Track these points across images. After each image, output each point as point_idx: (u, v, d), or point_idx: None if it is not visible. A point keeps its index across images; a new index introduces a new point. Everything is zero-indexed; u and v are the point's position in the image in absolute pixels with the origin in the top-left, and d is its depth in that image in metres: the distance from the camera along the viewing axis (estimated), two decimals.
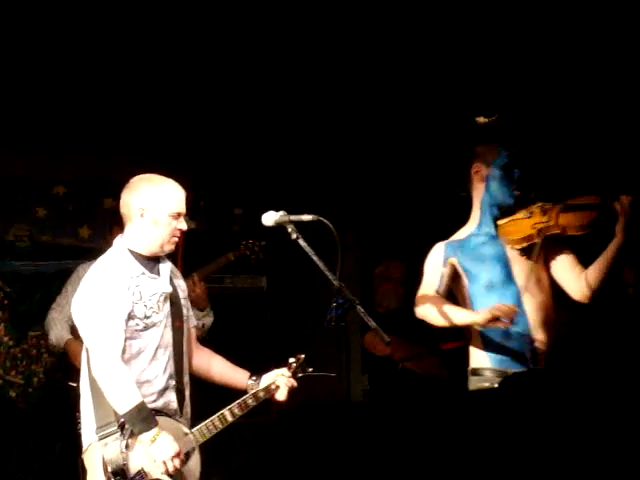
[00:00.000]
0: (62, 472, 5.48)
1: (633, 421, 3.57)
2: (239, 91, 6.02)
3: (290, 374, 4.07)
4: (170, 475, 3.77)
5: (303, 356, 4.10)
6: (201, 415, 4.01)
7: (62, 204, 6.24)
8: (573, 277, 4.21)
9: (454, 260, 4.24)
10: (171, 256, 4.06)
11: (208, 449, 3.99)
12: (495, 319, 4.01)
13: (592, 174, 5.36)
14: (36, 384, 6.02)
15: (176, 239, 3.97)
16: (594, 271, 4.15)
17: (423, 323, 4.30)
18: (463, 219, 4.39)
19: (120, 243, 3.97)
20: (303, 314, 6.24)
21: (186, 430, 3.92)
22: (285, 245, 3.86)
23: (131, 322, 3.83)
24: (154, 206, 3.91)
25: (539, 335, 4.16)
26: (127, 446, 3.75)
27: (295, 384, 4.07)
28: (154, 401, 3.85)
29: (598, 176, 5.25)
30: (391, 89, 6.02)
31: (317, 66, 5.86)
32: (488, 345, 4.18)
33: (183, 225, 3.97)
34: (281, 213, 3.76)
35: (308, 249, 3.70)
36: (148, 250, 3.95)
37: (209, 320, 5.35)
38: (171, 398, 3.91)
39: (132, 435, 3.76)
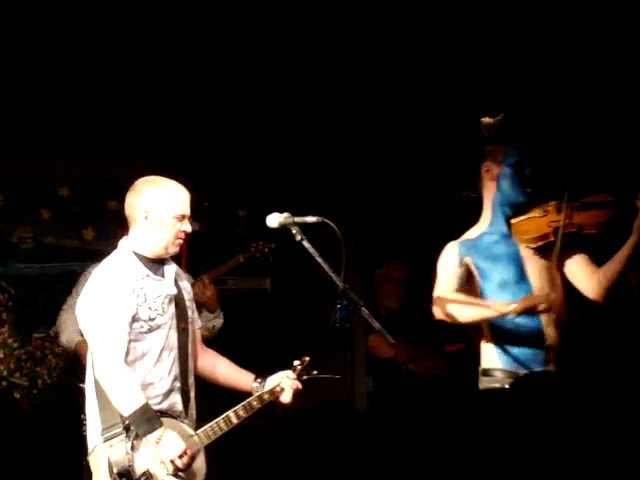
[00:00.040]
0: (67, 474, 5.48)
1: None
2: (243, 93, 6.01)
3: (295, 376, 4.06)
4: (176, 476, 3.77)
5: (308, 358, 4.08)
6: (206, 417, 4.01)
7: (66, 206, 6.23)
8: (586, 276, 4.19)
9: (468, 260, 4.20)
10: (175, 258, 4.06)
11: (213, 451, 3.99)
12: (531, 307, 3.97)
13: (605, 172, 5.32)
14: (41, 386, 6.01)
15: (180, 241, 3.97)
16: (608, 270, 4.13)
17: (424, 324, 4.28)
18: (464, 220, 4.38)
19: (124, 245, 3.97)
20: (307, 316, 6.22)
21: (191, 432, 3.92)
22: (289, 247, 3.86)
23: (136, 324, 3.83)
24: (158, 208, 3.91)
25: (551, 334, 4.14)
26: (133, 447, 3.75)
27: (300, 386, 4.05)
28: (159, 403, 3.85)
29: (612, 174, 5.23)
30: (395, 90, 6.01)
31: (321, 68, 5.85)
32: (500, 345, 4.15)
33: (187, 227, 3.96)
34: (285, 215, 3.76)
35: (312, 251, 3.70)
36: (152, 252, 3.94)
37: (219, 322, 5.35)
38: (176, 400, 3.91)
39: (137, 436, 3.76)
